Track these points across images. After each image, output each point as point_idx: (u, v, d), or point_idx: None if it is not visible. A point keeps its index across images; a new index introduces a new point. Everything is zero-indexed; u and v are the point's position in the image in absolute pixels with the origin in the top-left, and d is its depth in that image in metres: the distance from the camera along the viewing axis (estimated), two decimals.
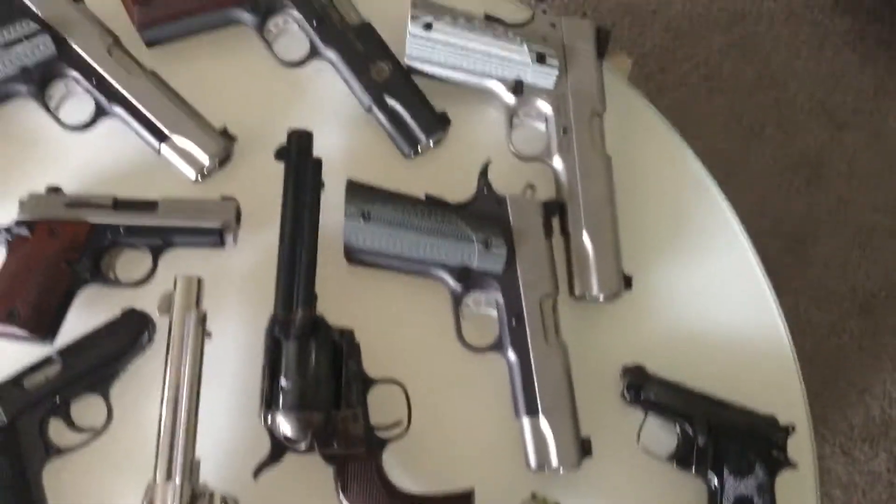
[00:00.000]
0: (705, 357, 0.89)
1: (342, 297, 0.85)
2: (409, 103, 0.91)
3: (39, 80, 0.88)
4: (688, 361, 0.88)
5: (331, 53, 0.92)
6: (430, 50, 0.90)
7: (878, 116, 1.75)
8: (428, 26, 0.89)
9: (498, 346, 0.84)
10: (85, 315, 0.84)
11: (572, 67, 0.92)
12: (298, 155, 0.85)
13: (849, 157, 1.72)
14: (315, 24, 0.92)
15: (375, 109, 0.91)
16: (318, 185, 0.86)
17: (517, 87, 0.91)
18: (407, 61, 0.91)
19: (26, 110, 0.90)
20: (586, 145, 0.89)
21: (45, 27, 0.88)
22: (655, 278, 0.91)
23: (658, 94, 1.66)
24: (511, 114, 0.92)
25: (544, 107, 0.92)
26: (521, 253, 0.84)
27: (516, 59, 0.90)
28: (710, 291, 0.92)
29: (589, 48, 0.93)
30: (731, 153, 1.68)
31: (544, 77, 0.91)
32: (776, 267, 0.93)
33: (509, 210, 0.86)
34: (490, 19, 0.92)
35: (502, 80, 0.91)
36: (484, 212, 0.85)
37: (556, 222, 0.88)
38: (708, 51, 1.73)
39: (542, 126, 0.93)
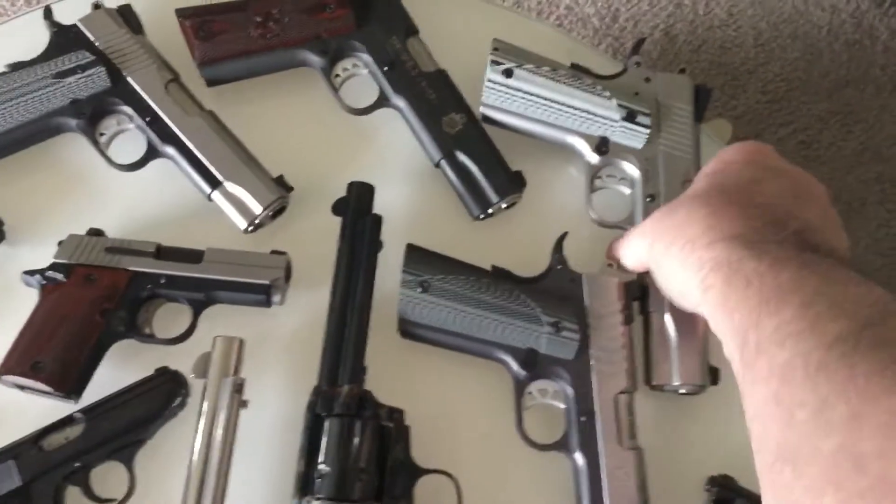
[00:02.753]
0: None
1: (393, 372, 0.78)
2: (482, 160, 0.83)
3: (91, 115, 0.82)
4: None
5: (400, 101, 0.85)
6: (508, 99, 0.82)
7: None
8: (508, 73, 0.81)
9: (564, 445, 0.74)
10: (114, 370, 0.77)
11: (666, 128, 0.83)
12: (357, 210, 0.79)
13: None
14: (386, 70, 0.85)
15: (444, 165, 0.84)
16: (376, 244, 0.79)
17: (602, 146, 0.82)
18: (482, 110, 0.83)
19: (74, 146, 0.85)
20: None
21: (101, 58, 0.83)
22: None
23: None
24: (593, 174, 0.83)
25: (631, 169, 0.83)
26: (595, 340, 0.75)
27: (603, 114, 0.82)
28: None
29: (686, 108, 0.84)
30: None
31: (633, 137, 0.82)
32: None
33: (585, 290, 0.77)
34: (577, 69, 0.84)
35: (585, 137, 0.83)
36: (556, 290, 0.77)
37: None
38: (807, 117, 1.62)
39: (626, 190, 0.84)
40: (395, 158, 0.87)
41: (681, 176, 0.82)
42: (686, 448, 0.79)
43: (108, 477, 0.74)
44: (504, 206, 0.84)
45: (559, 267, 0.78)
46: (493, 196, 0.82)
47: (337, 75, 0.87)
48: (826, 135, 1.63)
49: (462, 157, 0.83)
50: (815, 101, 1.65)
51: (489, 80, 0.82)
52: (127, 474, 0.74)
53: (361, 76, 0.88)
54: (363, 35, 0.86)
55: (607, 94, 0.82)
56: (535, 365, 0.75)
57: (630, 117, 0.81)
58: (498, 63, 0.81)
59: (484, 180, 0.82)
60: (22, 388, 0.76)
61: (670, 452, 0.77)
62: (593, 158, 0.83)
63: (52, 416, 0.74)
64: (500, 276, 0.77)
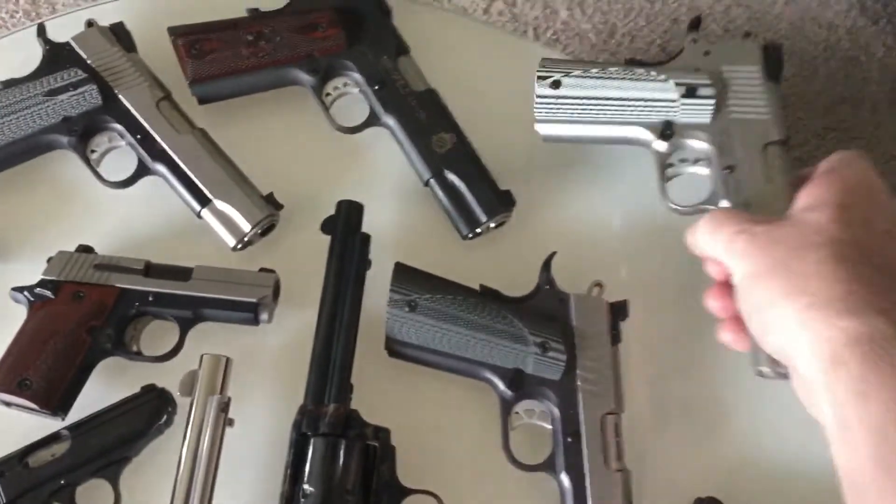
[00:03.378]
0: (795, 492, 0.77)
1: (379, 391, 0.77)
2: (471, 179, 0.83)
3: (82, 132, 0.83)
4: (772, 496, 0.77)
5: (390, 120, 0.85)
6: (560, 110, 0.80)
7: None
8: (556, 84, 0.80)
9: (550, 466, 0.74)
10: (101, 387, 0.78)
11: (734, 94, 0.78)
12: (346, 228, 0.79)
13: None
14: (377, 89, 0.85)
15: (433, 183, 0.84)
16: (365, 263, 0.79)
17: (666, 130, 0.79)
18: (537, 128, 0.81)
19: (65, 163, 0.85)
20: (758, 181, 0.75)
21: (94, 76, 0.83)
22: (740, 393, 0.80)
23: None
24: (663, 163, 0.80)
25: (702, 146, 0.79)
26: (582, 361, 0.75)
27: (661, 97, 0.78)
28: (802, 415, 0.80)
29: (754, 69, 0.79)
30: None
31: (697, 112, 0.78)
32: None
33: (572, 310, 0.77)
34: (632, 63, 0.81)
35: (648, 126, 0.79)
36: (544, 310, 0.77)
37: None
38: (803, 134, 1.62)
39: (703, 170, 0.80)
40: (384, 177, 0.87)
41: (760, 140, 0.76)
42: (673, 470, 0.78)
43: (93, 494, 0.74)
44: (493, 225, 0.84)
45: (547, 287, 0.78)
46: (481, 215, 0.82)
47: (328, 94, 0.88)
48: (822, 151, 1.61)
49: (451, 177, 0.83)
50: (812, 118, 1.64)
51: (538, 96, 0.80)
52: (112, 492, 0.74)
53: (352, 95, 0.88)
54: (354, 54, 0.86)
55: (662, 77, 0.79)
56: (521, 385, 0.75)
57: (690, 93, 0.78)
58: (544, 77, 0.80)
59: (473, 199, 0.82)
60: (8, 404, 0.76)
61: (657, 474, 0.77)
62: (661, 146, 0.80)
63: (38, 433, 0.74)
64: (487, 296, 0.77)
